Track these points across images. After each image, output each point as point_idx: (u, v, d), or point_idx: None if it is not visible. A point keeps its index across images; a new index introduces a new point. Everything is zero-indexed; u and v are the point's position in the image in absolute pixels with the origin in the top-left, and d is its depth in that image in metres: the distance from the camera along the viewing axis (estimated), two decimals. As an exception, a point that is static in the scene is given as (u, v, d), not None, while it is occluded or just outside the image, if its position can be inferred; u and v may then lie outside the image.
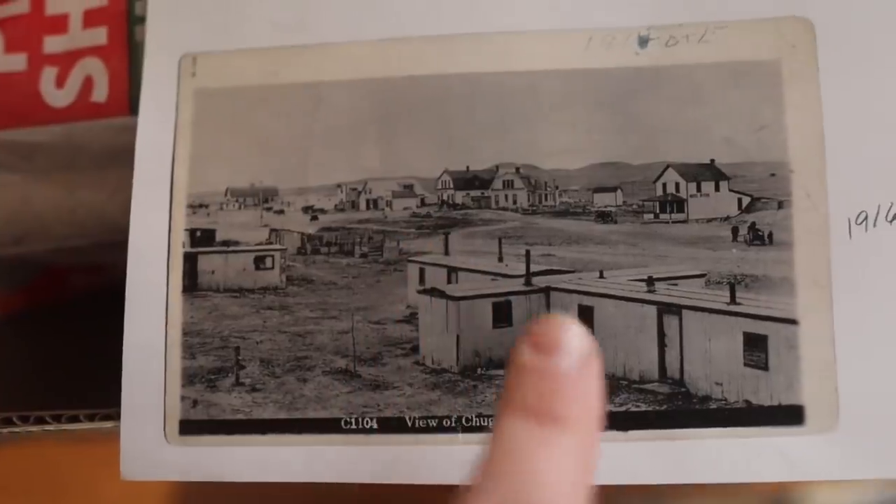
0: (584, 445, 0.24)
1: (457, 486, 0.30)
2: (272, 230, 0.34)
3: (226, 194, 0.34)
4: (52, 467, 0.47)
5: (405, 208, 0.34)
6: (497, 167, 0.33)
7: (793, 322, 0.31)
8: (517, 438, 0.23)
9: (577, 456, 0.23)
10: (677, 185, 0.33)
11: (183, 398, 0.33)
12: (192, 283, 0.34)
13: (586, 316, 0.33)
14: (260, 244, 0.34)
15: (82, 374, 0.36)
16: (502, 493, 0.22)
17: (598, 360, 0.25)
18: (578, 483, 0.23)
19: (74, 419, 0.33)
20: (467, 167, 0.33)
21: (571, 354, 0.24)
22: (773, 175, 0.32)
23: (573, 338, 0.25)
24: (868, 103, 0.32)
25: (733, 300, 0.32)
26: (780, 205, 0.32)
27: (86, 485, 0.46)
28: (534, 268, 0.33)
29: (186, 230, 0.34)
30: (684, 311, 0.32)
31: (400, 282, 0.33)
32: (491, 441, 0.24)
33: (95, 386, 0.34)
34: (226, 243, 0.34)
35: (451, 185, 0.33)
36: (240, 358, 0.33)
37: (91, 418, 0.33)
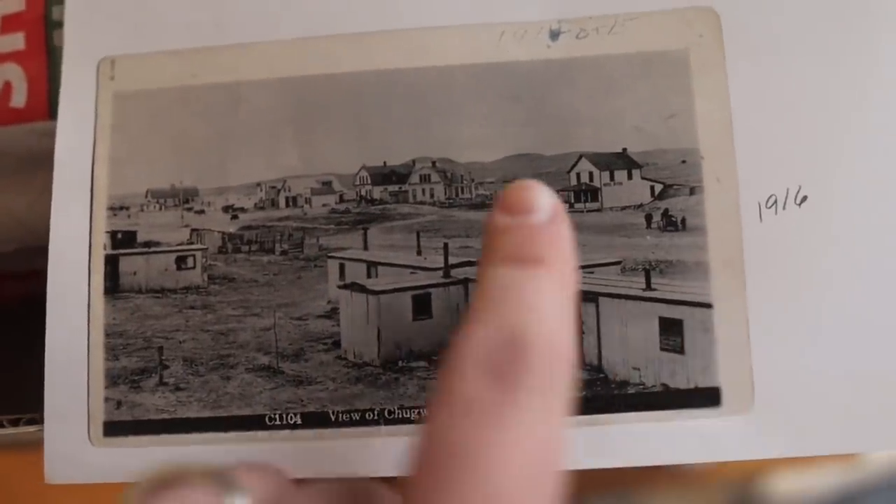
0: (564, 282, 0.26)
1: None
2: (193, 230, 0.35)
3: (146, 196, 0.35)
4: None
5: (324, 205, 0.35)
6: (414, 161, 0.34)
7: (707, 306, 0.32)
8: (502, 279, 0.25)
9: (560, 291, 0.26)
10: (591, 174, 0.34)
11: (107, 399, 0.34)
12: (113, 285, 0.34)
13: (505, 306, 0.34)
14: (181, 244, 0.35)
15: (12, 383, 0.36)
16: (497, 324, 0.24)
17: (565, 214, 0.28)
18: (565, 314, 0.25)
19: (-2, 425, 0.34)
20: (384, 162, 0.34)
21: (542, 210, 0.27)
22: (684, 162, 0.33)
23: (541, 196, 0.27)
24: (774, 90, 0.33)
25: (649, 286, 0.33)
26: (692, 191, 0.33)
27: (38, 493, 0.46)
28: (452, 260, 0.34)
29: (107, 232, 0.35)
30: (601, 299, 0.33)
31: (320, 278, 0.34)
32: (476, 291, 0.26)
33: (24, 392, 0.34)
34: (147, 244, 0.35)
35: (369, 181, 0.34)
36: (163, 358, 0.34)
37: (15, 423, 0.34)
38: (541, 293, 0.25)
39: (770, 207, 0.33)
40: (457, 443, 0.22)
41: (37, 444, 0.34)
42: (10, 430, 0.34)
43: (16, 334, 0.40)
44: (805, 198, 0.33)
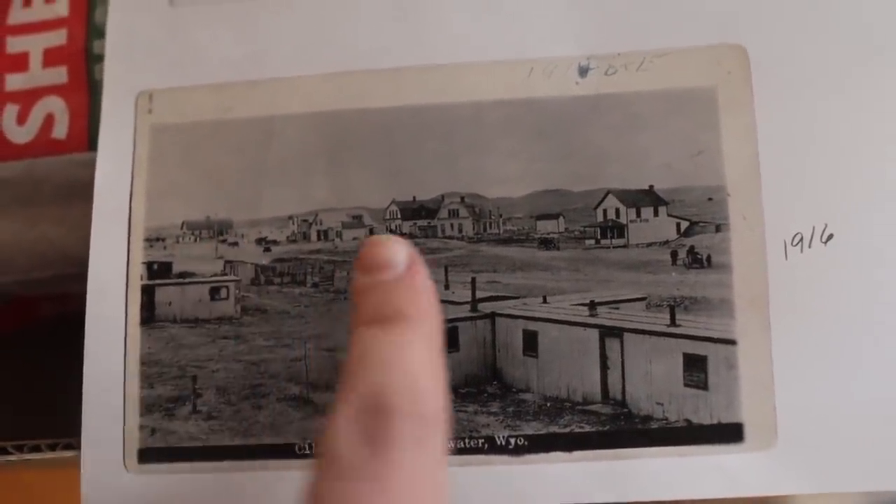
0: (425, 334, 0.28)
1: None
2: (227, 262, 0.37)
3: (182, 227, 0.37)
4: (30, 493, 0.49)
5: (354, 238, 0.37)
6: (443, 197, 0.36)
7: (731, 342, 0.34)
8: (366, 343, 0.27)
9: (421, 342, 0.27)
10: (617, 211, 0.35)
11: (142, 427, 0.36)
12: (149, 315, 0.37)
13: (531, 340, 0.35)
14: (215, 275, 0.37)
15: (47, 402, 0.39)
16: (362, 387, 0.26)
17: (421, 263, 0.29)
18: (429, 365, 0.27)
19: (36, 449, 0.36)
20: (414, 197, 0.36)
21: (396, 266, 0.29)
22: (710, 199, 0.35)
23: (395, 252, 0.29)
24: (801, 128, 0.35)
25: (673, 322, 0.34)
26: (718, 228, 0.35)
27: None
28: (479, 294, 0.36)
29: (144, 263, 0.37)
30: (626, 334, 0.35)
31: (351, 310, 0.36)
32: (347, 355, 0.27)
33: (60, 414, 0.37)
34: (182, 275, 0.37)
35: (399, 216, 0.36)
36: (196, 387, 0.36)
37: (53, 448, 0.36)
38: (401, 349, 0.27)
39: (796, 245, 0.34)
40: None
41: (74, 464, 0.36)
42: (49, 455, 0.36)
43: (52, 355, 0.42)
44: (831, 236, 0.34)
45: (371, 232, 0.37)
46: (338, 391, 0.26)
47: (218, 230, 0.37)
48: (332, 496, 0.24)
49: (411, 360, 0.27)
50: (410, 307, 0.28)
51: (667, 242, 0.35)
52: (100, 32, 0.40)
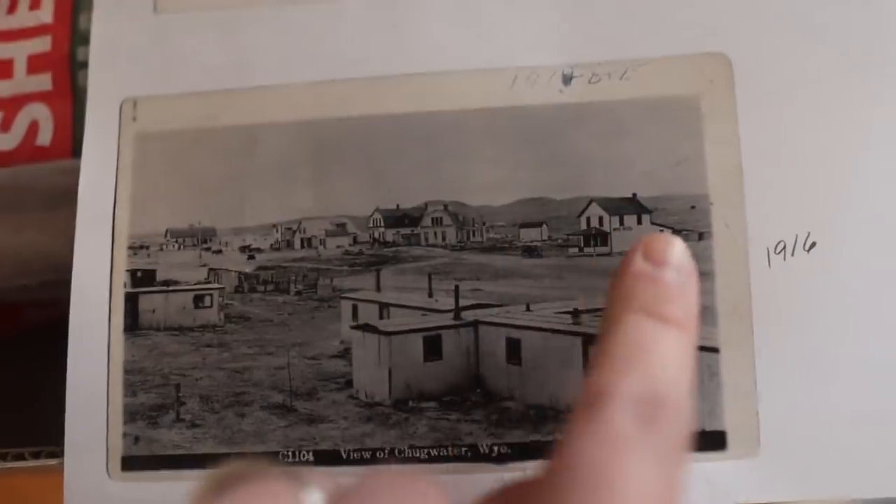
0: (692, 342, 0.29)
1: None
2: (210, 269, 0.37)
3: (166, 235, 0.37)
4: (13, 498, 0.49)
5: (338, 246, 0.37)
6: (426, 205, 0.36)
7: (714, 350, 0.34)
8: (644, 332, 0.28)
9: (689, 351, 0.29)
10: (601, 219, 0.35)
11: (125, 435, 0.36)
12: (133, 323, 0.37)
13: (514, 348, 0.35)
14: (199, 283, 0.37)
15: (31, 408, 0.39)
16: (644, 377, 0.27)
17: (696, 273, 0.30)
18: (690, 373, 0.28)
19: (20, 457, 0.36)
20: (397, 205, 0.36)
21: (680, 268, 0.30)
22: (693, 207, 0.35)
23: (681, 253, 0.30)
24: (784, 136, 0.35)
25: (656, 330, 0.35)
26: (701, 236, 0.35)
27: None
28: (463, 302, 0.36)
29: (127, 271, 0.37)
30: (609, 342, 0.35)
31: (334, 318, 0.36)
32: (612, 335, 0.29)
33: (44, 420, 0.37)
34: (166, 283, 0.37)
35: (382, 223, 0.36)
36: (180, 394, 0.36)
37: (36, 456, 0.36)
38: (680, 352, 0.28)
39: (779, 253, 0.34)
40: (596, 463, 0.25)
41: (58, 471, 0.36)
42: (32, 463, 0.36)
43: (36, 362, 0.42)
44: (814, 244, 0.34)
45: (355, 241, 0.37)
46: (609, 368, 0.27)
47: (202, 238, 0.37)
48: (597, 457, 0.25)
49: (682, 364, 0.28)
50: (686, 314, 0.29)
51: (650, 250, 0.35)
52: (84, 39, 0.40)
